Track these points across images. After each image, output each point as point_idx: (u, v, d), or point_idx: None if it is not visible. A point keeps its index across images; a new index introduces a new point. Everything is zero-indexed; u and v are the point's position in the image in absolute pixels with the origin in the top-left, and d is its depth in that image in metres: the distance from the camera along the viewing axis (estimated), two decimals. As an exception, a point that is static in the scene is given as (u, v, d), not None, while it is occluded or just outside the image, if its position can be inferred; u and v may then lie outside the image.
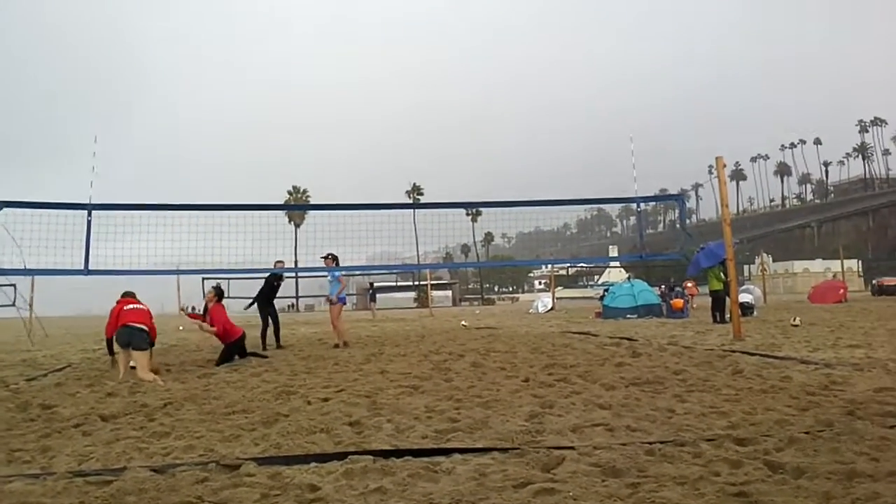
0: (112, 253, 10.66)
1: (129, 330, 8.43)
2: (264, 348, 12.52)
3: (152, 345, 8.72)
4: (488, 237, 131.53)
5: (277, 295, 14.18)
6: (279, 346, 12.95)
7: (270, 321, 13.46)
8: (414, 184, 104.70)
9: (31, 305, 22.12)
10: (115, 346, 8.77)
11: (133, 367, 8.53)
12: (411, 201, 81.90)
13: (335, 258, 12.67)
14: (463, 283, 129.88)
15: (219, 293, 10.64)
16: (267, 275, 13.47)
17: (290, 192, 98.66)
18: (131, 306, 8.76)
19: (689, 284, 24.64)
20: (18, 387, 7.94)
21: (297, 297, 73.70)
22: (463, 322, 22.40)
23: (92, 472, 3.70)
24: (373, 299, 33.00)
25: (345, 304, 15.50)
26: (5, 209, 9.81)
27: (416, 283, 62.08)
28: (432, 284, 53.90)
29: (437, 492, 3.18)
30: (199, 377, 8.43)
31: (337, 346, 12.81)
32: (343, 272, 13.64)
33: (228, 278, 27.07)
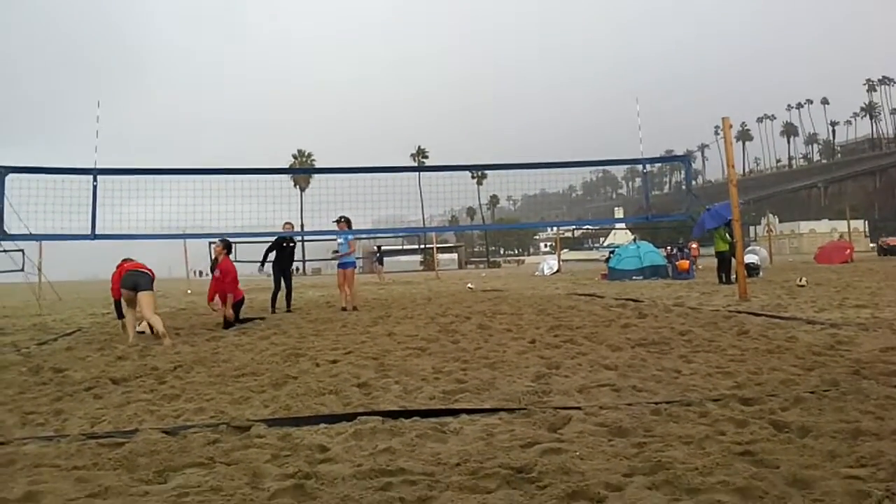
0: (119, 217, 10.68)
1: (134, 273, 8.73)
2: (273, 311, 12.63)
3: None
4: (494, 200, 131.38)
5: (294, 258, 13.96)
6: (289, 310, 12.94)
7: (283, 285, 13.36)
8: (419, 147, 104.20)
9: (39, 270, 22.25)
10: (124, 307, 8.86)
11: (141, 332, 8.61)
12: (416, 164, 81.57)
13: (348, 221, 12.67)
14: (469, 246, 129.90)
15: (227, 245, 10.75)
16: (275, 237, 13.32)
17: (294, 156, 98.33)
18: (132, 262, 9.04)
19: (693, 245, 24.60)
20: (30, 351, 8.03)
21: (303, 261, 73.94)
22: (469, 285, 22.45)
23: (104, 434, 3.75)
24: (380, 262, 33.03)
25: (356, 268, 15.18)
26: (11, 175, 9.81)
27: (423, 246, 62.08)
28: (438, 247, 53.92)
29: (445, 451, 3.22)
30: (208, 340, 8.50)
31: (344, 308, 12.86)
32: (352, 236, 13.60)
33: (235, 242, 27.23)
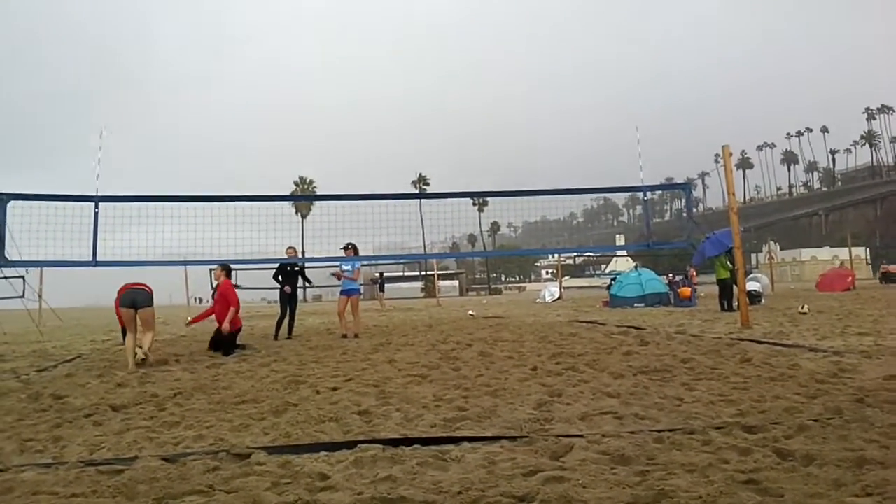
0: (120, 244, 10.68)
1: (132, 291, 8.85)
2: (276, 338, 12.62)
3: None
4: (495, 227, 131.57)
5: (299, 284, 13.70)
6: (289, 337, 12.85)
7: (290, 310, 13.13)
8: (420, 174, 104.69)
9: (40, 296, 22.24)
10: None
11: (143, 360, 8.56)
12: (417, 191, 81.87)
13: (355, 248, 12.71)
14: (470, 272, 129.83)
15: (226, 269, 10.77)
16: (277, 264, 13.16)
17: (296, 183, 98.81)
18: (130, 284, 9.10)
19: (692, 272, 24.52)
20: (29, 377, 7.99)
21: (304, 287, 73.92)
22: (470, 311, 22.41)
23: (103, 462, 3.72)
24: (381, 289, 33.01)
25: (360, 295, 14.81)
26: (13, 202, 9.84)
27: (424, 272, 62.20)
28: (439, 274, 53.94)
29: (446, 480, 3.20)
30: (208, 367, 8.46)
31: (344, 336, 12.76)
32: (359, 263, 13.53)
33: (236, 269, 27.22)
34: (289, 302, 13.12)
